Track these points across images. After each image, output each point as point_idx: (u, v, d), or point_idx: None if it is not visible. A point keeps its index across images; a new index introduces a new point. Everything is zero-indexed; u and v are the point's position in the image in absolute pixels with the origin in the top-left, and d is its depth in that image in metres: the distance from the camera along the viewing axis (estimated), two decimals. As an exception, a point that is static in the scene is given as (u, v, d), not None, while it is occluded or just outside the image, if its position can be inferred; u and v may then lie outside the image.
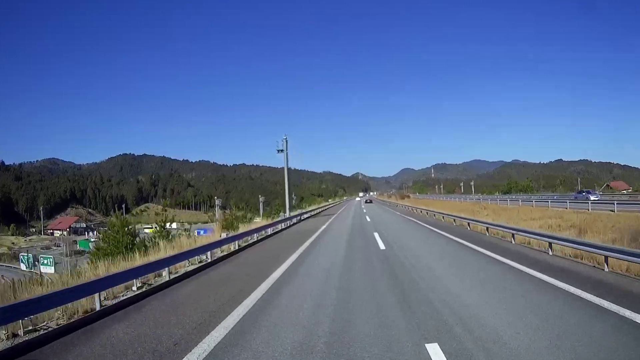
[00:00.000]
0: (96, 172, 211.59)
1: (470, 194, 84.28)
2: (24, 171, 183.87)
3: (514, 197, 42.75)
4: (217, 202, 47.77)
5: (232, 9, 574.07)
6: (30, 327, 5.42)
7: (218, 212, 48.31)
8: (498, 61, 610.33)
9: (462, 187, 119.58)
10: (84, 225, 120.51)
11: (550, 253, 9.97)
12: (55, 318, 6.19)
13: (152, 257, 11.05)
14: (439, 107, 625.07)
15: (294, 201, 75.39)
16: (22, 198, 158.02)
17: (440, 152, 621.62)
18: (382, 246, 11.44)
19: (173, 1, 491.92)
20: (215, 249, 11.89)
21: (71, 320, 6.06)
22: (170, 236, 18.12)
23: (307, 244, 12.63)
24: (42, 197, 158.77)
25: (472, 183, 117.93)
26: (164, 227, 17.00)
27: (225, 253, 11.74)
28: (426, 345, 3.89)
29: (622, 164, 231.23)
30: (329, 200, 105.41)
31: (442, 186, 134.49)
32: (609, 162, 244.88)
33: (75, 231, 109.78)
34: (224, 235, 14.46)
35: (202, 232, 33.04)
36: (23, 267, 41.56)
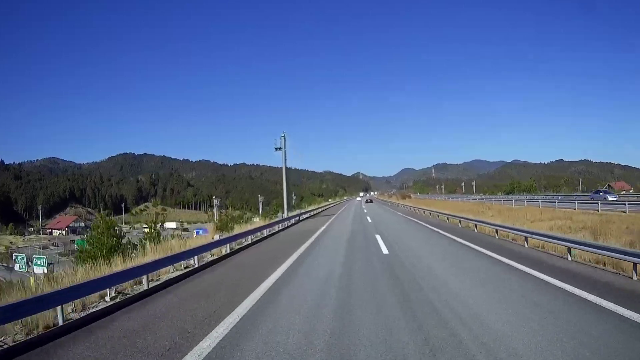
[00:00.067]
0: (96, 172, 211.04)
1: (472, 194, 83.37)
2: (23, 170, 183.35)
3: (517, 197, 41.88)
4: (215, 201, 46.94)
5: (232, 9, 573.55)
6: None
7: (216, 211, 47.49)
8: (498, 61, 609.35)
9: (463, 187, 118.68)
10: (83, 225, 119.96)
11: (569, 258, 9.14)
12: (13, 333, 5.41)
13: (135, 261, 10.25)
14: (439, 107, 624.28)
15: (293, 201, 74.59)
16: (21, 197, 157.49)
17: (440, 152, 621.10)
18: (385, 251, 10.56)
19: (173, 1, 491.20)
20: (205, 253, 11.07)
21: (29, 337, 5.26)
22: (162, 237, 17.33)
23: (303, 248, 11.73)
24: (42, 196, 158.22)
25: (473, 183, 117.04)
26: (154, 228, 16.17)
27: (215, 257, 10.89)
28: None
29: (623, 164, 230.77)
30: (329, 200, 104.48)
31: (442, 186, 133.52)
32: (610, 163, 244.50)
33: (74, 230, 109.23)
34: (216, 237, 13.64)
35: (200, 231, 32.30)
36: (17, 267, 40.78)
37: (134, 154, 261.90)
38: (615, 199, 26.84)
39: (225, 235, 15.27)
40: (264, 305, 5.68)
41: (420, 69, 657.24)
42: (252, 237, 15.25)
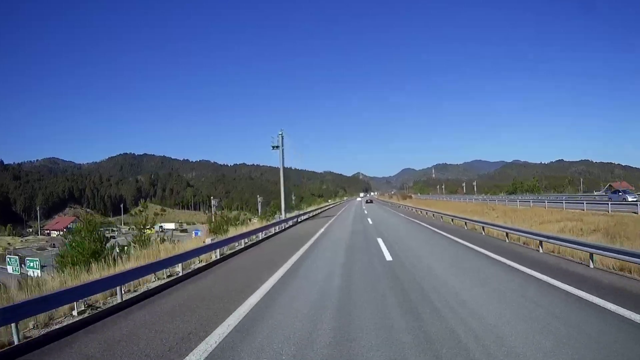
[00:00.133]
0: (96, 172, 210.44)
1: (473, 194, 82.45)
2: (22, 170, 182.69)
3: (520, 197, 40.98)
4: (213, 202, 45.92)
5: (232, 9, 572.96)
6: None
7: (214, 212, 46.62)
8: (498, 61, 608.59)
9: (464, 188, 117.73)
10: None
11: (592, 265, 8.28)
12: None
13: (115, 268, 9.41)
14: (439, 107, 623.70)
15: (293, 201, 73.68)
16: (20, 198, 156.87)
17: (440, 152, 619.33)
18: (388, 257, 9.66)
19: (173, 1, 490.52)
20: (193, 258, 10.22)
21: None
22: (154, 240, 16.48)
23: (299, 254, 10.83)
24: (40, 196, 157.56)
25: (474, 183, 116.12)
26: (143, 230, 15.30)
27: (203, 264, 10.03)
28: None
29: (623, 165, 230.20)
30: (329, 200, 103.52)
31: (443, 186, 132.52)
32: (610, 163, 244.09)
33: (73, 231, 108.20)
34: (208, 241, 12.82)
35: (199, 232, 31.49)
36: (10, 269, 39.96)
37: (134, 154, 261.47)
38: (635, 200, 25.24)
39: (218, 238, 14.43)
40: (248, 327, 4.82)
41: (420, 69, 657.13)
42: (247, 240, 14.40)
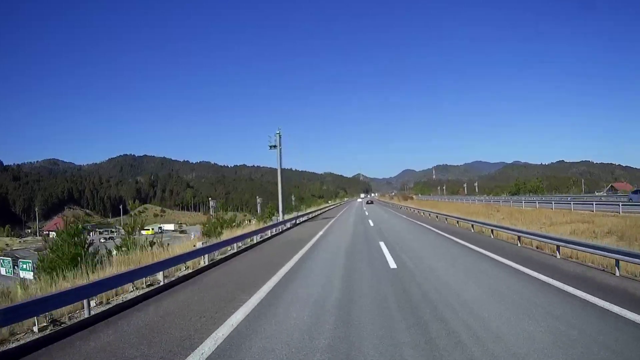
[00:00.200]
0: (96, 173, 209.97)
1: (474, 195, 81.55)
2: (22, 171, 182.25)
3: (524, 198, 40.09)
4: (211, 203, 45.28)
5: (232, 9, 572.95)
6: None
7: (213, 213, 45.82)
8: (498, 61, 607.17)
9: (465, 189, 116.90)
10: (80, 227, 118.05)
11: (617, 273, 7.45)
12: None
13: (95, 275, 8.59)
14: (439, 107, 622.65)
15: (293, 202, 72.82)
16: (19, 199, 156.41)
17: (441, 152, 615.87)
18: (392, 264, 8.77)
19: (173, 1, 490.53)
20: (179, 264, 9.38)
21: None
22: (141, 243, 15.64)
23: (294, 260, 9.94)
24: (40, 197, 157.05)
25: (476, 184, 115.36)
26: (132, 233, 14.45)
27: (190, 271, 9.19)
28: None
29: (624, 165, 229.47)
30: (329, 201, 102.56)
31: (444, 187, 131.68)
32: (611, 163, 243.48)
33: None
34: (198, 245, 11.98)
35: (198, 234, 30.68)
36: (3, 271, 39.18)
37: (134, 155, 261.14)
38: None
39: (211, 242, 13.60)
40: (226, 356, 3.98)
41: (420, 69, 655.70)
42: (241, 244, 13.56)
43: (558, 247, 9.53)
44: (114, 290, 7.61)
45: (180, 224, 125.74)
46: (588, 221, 18.40)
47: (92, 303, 7.12)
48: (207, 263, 9.74)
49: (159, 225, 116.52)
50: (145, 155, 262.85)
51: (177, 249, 12.84)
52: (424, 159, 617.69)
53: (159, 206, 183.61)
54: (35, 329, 5.62)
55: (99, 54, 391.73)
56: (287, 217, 26.29)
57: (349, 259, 9.77)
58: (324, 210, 50.27)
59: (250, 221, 33.48)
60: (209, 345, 4.22)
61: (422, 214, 30.79)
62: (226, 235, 15.57)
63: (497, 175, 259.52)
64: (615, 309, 5.17)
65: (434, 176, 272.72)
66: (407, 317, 4.89)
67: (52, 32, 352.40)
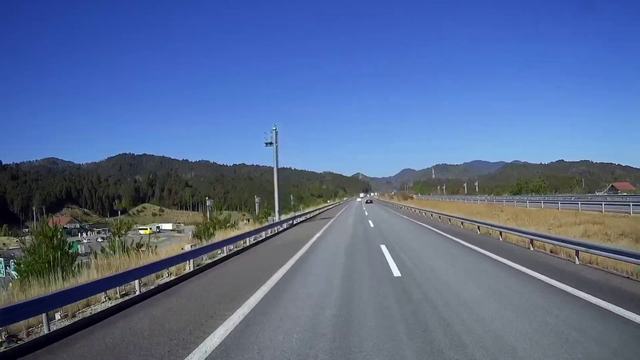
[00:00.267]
0: (95, 172, 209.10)
1: (475, 194, 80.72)
2: (20, 170, 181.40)
3: (527, 198, 39.26)
4: (208, 202, 44.21)
5: (232, 9, 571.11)
6: None
7: (209, 213, 44.89)
8: (498, 61, 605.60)
9: (465, 188, 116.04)
10: (78, 226, 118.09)
11: (650, 283, 6.65)
12: None
13: (68, 282, 7.77)
14: (439, 107, 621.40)
15: (291, 202, 71.81)
16: (17, 198, 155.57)
17: (440, 152, 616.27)
18: (395, 271, 7.90)
19: (173, 1, 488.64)
20: (161, 270, 8.55)
21: None
22: (131, 244, 14.79)
23: (287, 266, 9.04)
24: (38, 196, 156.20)
25: (476, 183, 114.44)
26: (119, 235, 13.59)
27: (172, 278, 8.35)
28: None
29: (624, 165, 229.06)
30: (329, 201, 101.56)
31: (444, 187, 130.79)
32: (611, 163, 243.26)
33: (69, 232, 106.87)
34: (187, 248, 11.16)
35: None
36: (-5, 272, 38.40)
37: (133, 154, 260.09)
38: None
39: (202, 244, 12.77)
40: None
41: (420, 69, 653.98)
42: (233, 247, 12.73)
43: (577, 251, 8.71)
44: (85, 300, 6.83)
45: (178, 223, 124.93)
46: (598, 222, 17.57)
47: (58, 315, 6.32)
48: (192, 269, 8.89)
49: (157, 225, 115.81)
50: (144, 154, 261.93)
51: (164, 253, 12.02)
52: (424, 158, 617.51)
53: (158, 205, 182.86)
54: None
55: (99, 54, 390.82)
56: (284, 217, 25.44)
57: (348, 265, 8.90)
58: (322, 210, 49.44)
59: (248, 220, 32.66)
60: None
61: (423, 214, 29.93)
62: (219, 237, 14.72)
63: (497, 175, 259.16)
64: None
65: (433, 176, 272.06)
66: (413, 336, 4.05)
67: (52, 32, 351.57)
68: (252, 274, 8.31)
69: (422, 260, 9.33)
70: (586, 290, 6.08)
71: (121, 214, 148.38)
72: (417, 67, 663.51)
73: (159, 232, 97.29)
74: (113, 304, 6.71)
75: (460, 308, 5.23)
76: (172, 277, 8.37)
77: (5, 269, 38.52)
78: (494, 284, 6.60)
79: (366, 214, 34.82)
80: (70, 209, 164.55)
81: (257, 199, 58.70)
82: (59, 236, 11.35)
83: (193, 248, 11.08)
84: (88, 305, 6.97)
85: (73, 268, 10.36)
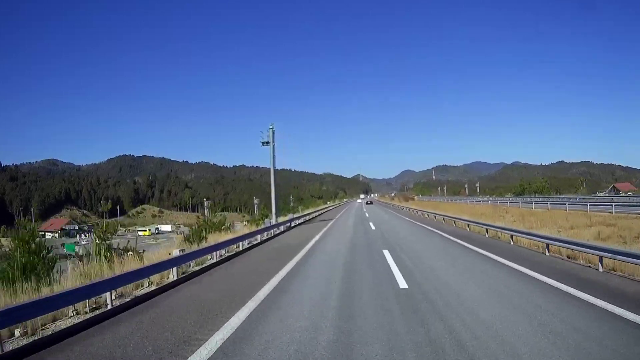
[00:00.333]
0: (95, 173, 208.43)
1: (476, 195, 79.86)
2: (19, 172, 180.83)
3: (533, 199, 38.46)
4: (205, 203, 43.57)
5: (232, 9, 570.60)
6: None
7: (207, 214, 44.12)
8: (498, 61, 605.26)
9: (466, 189, 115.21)
10: (76, 227, 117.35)
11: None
12: None
13: (40, 292, 6.97)
14: (439, 107, 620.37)
15: (291, 203, 71.00)
16: (16, 199, 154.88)
17: (440, 152, 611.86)
18: (401, 281, 7.00)
19: (173, 1, 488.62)
20: (141, 279, 7.74)
21: None
22: (121, 248, 14.00)
23: (280, 275, 8.08)
24: (37, 198, 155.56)
25: (477, 185, 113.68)
26: (104, 239, 12.75)
27: (152, 288, 7.54)
28: None
29: (624, 166, 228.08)
30: (328, 202, 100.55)
31: (444, 188, 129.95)
32: (611, 164, 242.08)
33: (67, 233, 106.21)
34: (175, 253, 10.35)
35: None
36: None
37: (133, 155, 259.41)
38: None
39: (192, 248, 11.97)
40: None
41: (420, 69, 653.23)
42: (225, 251, 11.91)
43: (601, 258, 7.89)
44: (51, 314, 6.03)
45: (178, 224, 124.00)
46: (611, 224, 16.75)
47: (17, 332, 5.52)
48: (176, 277, 8.07)
49: (156, 226, 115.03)
50: (144, 155, 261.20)
51: (154, 257, 11.21)
52: (424, 159, 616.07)
53: (157, 207, 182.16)
54: None
55: (99, 54, 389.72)
56: (283, 218, 24.63)
57: (347, 275, 8.00)
58: (322, 211, 48.61)
59: (248, 222, 31.81)
60: None
61: (426, 215, 29.08)
62: (211, 240, 13.92)
63: (497, 176, 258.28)
64: None
65: (433, 177, 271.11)
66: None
67: (52, 32, 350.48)
68: (240, 286, 7.47)
69: (431, 268, 8.47)
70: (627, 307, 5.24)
71: (120, 215, 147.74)
72: (417, 67, 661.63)
73: (158, 233, 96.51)
74: (81, 319, 5.91)
75: (492, 341, 4.34)
76: (153, 287, 7.56)
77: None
78: (526, 306, 5.50)
79: (367, 215, 33.98)
80: (69, 210, 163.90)
81: (256, 200, 57.91)
82: (36, 240, 10.59)
83: (181, 253, 10.27)
84: (55, 319, 6.18)
85: (51, 275, 9.60)
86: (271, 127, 22.41)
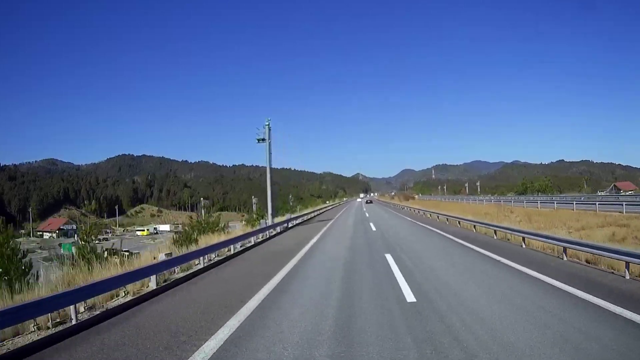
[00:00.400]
0: (94, 173, 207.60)
1: (476, 194, 79.01)
2: (18, 171, 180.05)
3: (538, 198, 37.63)
4: (203, 203, 42.84)
5: (232, 9, 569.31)
6: None
7: (204, 213, 43.30)
8: (498, 61, 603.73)
9: (467, 188, 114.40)
10: (74, 227, 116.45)
11: None
12: None
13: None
14: (439, 107, 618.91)
15: (290, 202, 70.18)
16: (14, 199, 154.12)
17: (440, 152, 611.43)
18: (408, 294, 6.06)
19: (173, 1, 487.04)
20: (119, 288, 6.94)
21: None
22: (106, 250, 13.20)
23: (270, 286, 7.12)
24: (35, 197, 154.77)
25: (477, 184, 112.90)
26: (87, 242, 11.96)
27: (128, 299, 6.74)
28: None
29: (624, 165, 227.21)
30: (328, 202, 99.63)
31: (445, 187, 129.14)
32: (611, 163, 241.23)
33: (66, 233, 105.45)
34: (161, 257, 9.57)
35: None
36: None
37: (132, 155, 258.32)
38: None
39: (181, 252, 11.18)
40: None
41: (420, 69, 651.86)
42: (215, 255, 11.12)
43: (627, 263, 7.10)
44: (12, 328, 5.25)
45: (177, 224, 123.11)
46: (623, 224, 15.97)
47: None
48: (155, 287, 7.26)
49: (155, 226, 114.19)
50: (143, 155, 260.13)
51: (136, 262, 10.41)
52: (424, 158, 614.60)
53: (156, 206, 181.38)
54: None
55: (99, 54, 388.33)
56: (280, 219, 23.81)
57: (346, 286, 7.06)
58: (321, 211, 47.79)
59: (245, 222, 31.03)
60: None
61: (428, 215, 28.26)
62: (202, 243, 13.12)
63: (497, 175, 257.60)
64: None
65: (433, 176, 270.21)
66: None
67: (51, 32, 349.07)
68: (229, 294, 6.68)
69: (440, 278, 7.57)
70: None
71: (118, 215, 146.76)
72: (417, 67, 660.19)
73: (156, 233, 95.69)
74: (41, 335, 5.13)
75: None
76: (129, 298, 6.76)
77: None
78: (571, 336, 4.77)
79: (367, 215, 33.16)
80: (67, 210, 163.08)
81: (254, 200, 57.17)
82: (9, 244, 9.79)
83: (167, 258, 9.49)
84: (16, 334, 5.40)
85: (22, 281, 8.81)
86: (267, 123, 21.52)
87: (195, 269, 9.21)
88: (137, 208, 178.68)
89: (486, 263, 9.05)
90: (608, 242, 11.45)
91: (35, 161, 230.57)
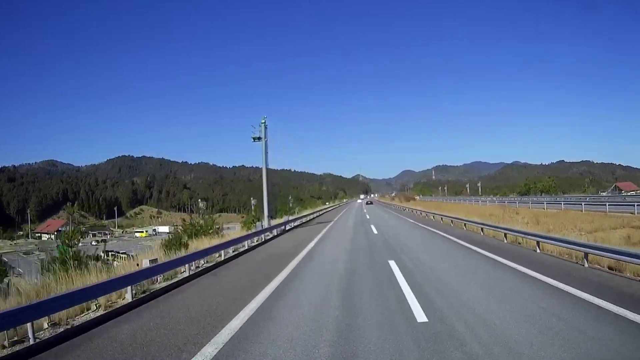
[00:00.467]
0: (94, 174, 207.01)
1: (477, 195, 78.25)
2: (17, 173, 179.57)
3: (537, 198, 36.89)
4: (200, 204, 41.97)
5: (232, 9, 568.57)
6: None
7: (200, 215, 42.57)
8: (498, 61, 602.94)
9: (468, 189, 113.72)
10: (73, 229, 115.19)
11: None
12: None
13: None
14: (439, 107, 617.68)
15: (290, 203, 69.44)
16: (13, 200, 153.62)
17: (440, 152, 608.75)
18: (418, 313, 5.13)
19: (173, 1, 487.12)
20: (91, 300, 6.17)
21: None
22: (91, 256, 12.47)
23: (259, 299, 6.27)
24: (34, 199, 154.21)
25: (479, 184, 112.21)
26: (70, 245, 11.21)
27: (99, 313, 5.96)
28: None
29: (624, 165, 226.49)
30: (327, 203, 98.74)
31: (445, 188, 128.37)
32: (611, 163, 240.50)
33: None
34: (145, 264, 8.84)
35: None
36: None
37: (132, 156, 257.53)
38: None
39: (168, 258, 10.43)
40: None
41: (420, 69, 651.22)
42: (204, 262, 10.35)
43: (662, 273, 6.32)
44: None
45: (176, 225, 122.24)
46: (637, 226, 15.21)
47: None
48: (130, 300, 6.48)
49: (154, 227, 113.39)
50: (143, 156, 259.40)
51: (119, 270, 9.64)
52: (424, 159, 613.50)
53: (155, 207, 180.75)
54: None
55: (99, 54, 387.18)
56: (278, 221, 23.03)
57: (345, 302, 6.14)
58: (320, 213, 46.94)
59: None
60: None
61: (431, 217, 27.46)
62: (193, 247, 12.35)
63: (497, 176, 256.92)
64: None
65: (433, 177, 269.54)
66: None
67: (51, 32, 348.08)
68: (206, 315, 5.87)
69: (453, 290, 6.59)
70: None
71: (118, 216, 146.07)
72: (417, 67, 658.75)
73: (155, 234, 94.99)
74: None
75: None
76: (100, 312, 5.97)
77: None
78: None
79: (368, 217, 32.36)
80: (66, 211, 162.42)
81: (253, 201, 56.51)
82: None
83: (152, 264, 8.74)
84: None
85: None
86: (263, 121, 20.71)
87: (180, 277, 8.42)
88: (137, 209, 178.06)
89: (501, 271, 8.23)
90: (624, 245, 10.68)
91: (35, 162, 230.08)
